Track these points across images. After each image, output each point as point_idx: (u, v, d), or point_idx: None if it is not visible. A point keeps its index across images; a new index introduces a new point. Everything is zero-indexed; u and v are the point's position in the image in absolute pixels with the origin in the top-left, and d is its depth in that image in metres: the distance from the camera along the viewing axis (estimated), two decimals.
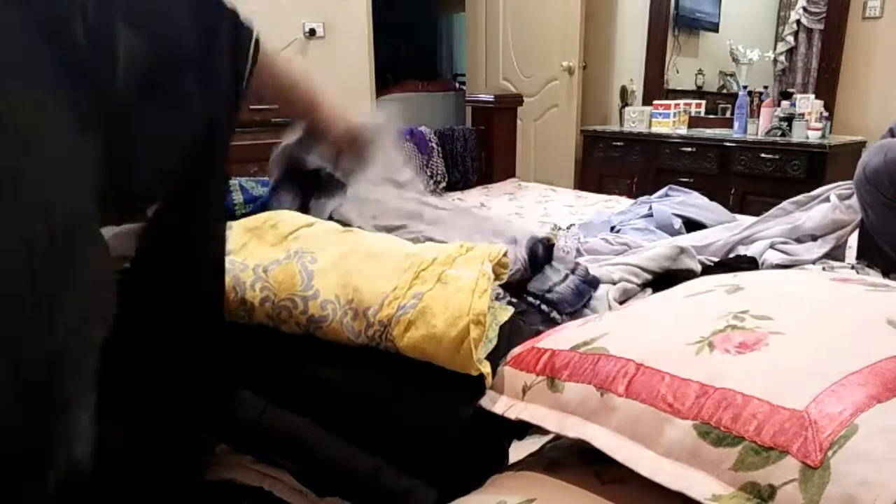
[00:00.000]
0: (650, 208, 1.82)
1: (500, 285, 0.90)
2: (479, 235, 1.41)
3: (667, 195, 2.03)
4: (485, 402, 0.70)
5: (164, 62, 0.64)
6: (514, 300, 1.06)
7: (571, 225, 1.87)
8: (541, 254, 1.16)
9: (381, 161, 1.24)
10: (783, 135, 3.16)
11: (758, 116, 3.29)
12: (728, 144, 3.29)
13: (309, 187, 1.20)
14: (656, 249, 1.31)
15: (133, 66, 0.59)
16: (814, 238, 1.53)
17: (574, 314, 1.12)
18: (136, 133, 0.63)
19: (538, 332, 0.79)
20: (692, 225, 1.77)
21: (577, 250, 1.54)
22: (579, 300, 1.14)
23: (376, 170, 1.24)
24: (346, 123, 1.15)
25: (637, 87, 4.03)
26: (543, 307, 1.08)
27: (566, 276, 1.16)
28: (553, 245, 1.22)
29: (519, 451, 0.74)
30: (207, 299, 0.79)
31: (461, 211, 1.50)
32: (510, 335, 0.79)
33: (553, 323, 1.06)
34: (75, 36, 0.54)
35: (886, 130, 1.60)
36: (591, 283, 1.20)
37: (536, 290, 1.10)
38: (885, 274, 1.46)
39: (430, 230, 1.33)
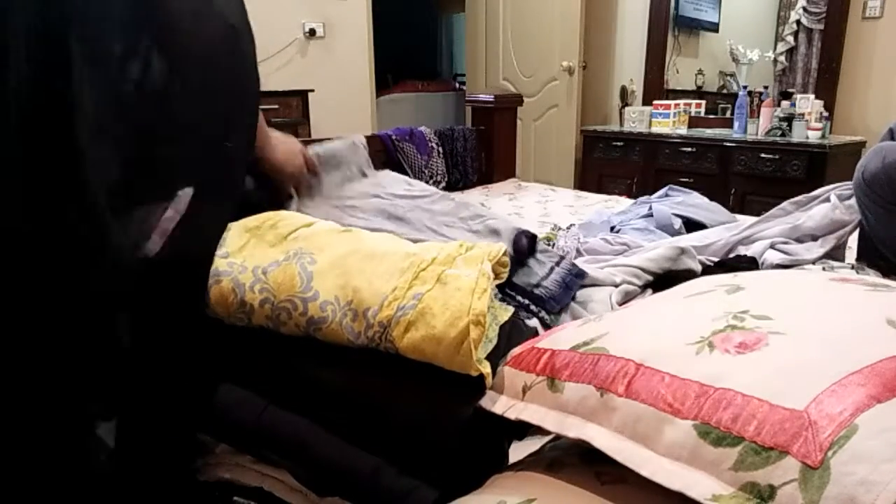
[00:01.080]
0: (650, 208, 1.81)
1: None
2: (458, 221, 1.41)
3: (667, 195, 2.03)
4: (485, 402, 0.70)
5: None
6: (500, 297, 1.05)
7: (571, 225, 1.87)
8: (524, 247, 1.16)
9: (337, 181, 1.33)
10: (783, 135, 3.16)
11: (758, 116, 3.29)
12: (728, 144, 3.29)
13: None
14: (657, 250, 1.30)
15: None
16: (814, 238, 1.53)
17: (562, 311, 1.11)
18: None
19: (537, 332, 0.79)
20: (692, 225, 1.77)
21: (577, 250, 1.53)
22: (567, 295, 1.13)
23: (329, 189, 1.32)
24: (291, 157, 1.21)
25: (637, 87, 4.03)
26: (532, 307, 1.07)
27: (552, 269, 1.16)
28: (536, 237, 1.21)
29: (519, 451, 0.74)
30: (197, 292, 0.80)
31: (439, 196, 1.49)
32: (510, 335, 0.79)
33: (541, 322, 1.05)
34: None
35: (886, 131, 1.59)
36: (578, 274, 1.19)
37: (524, 285, 1.09)
38: (885, 274, 1.46)
39: (406, 228, 1.33)
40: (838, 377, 0.49)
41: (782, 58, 3.53)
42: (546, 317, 1.07)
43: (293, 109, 3.39)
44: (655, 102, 3.78)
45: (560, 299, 1.11)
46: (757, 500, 0.45)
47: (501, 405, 0.68)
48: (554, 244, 1.56)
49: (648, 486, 0.51)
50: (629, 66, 4.11)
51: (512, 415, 0.66)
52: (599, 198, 2.59)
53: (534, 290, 1.10)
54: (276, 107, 3.33)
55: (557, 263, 1.19)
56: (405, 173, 2.60)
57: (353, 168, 1.57)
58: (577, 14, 3.94)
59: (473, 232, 1.43)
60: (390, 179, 1.61)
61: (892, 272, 1.48)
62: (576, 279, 1.17)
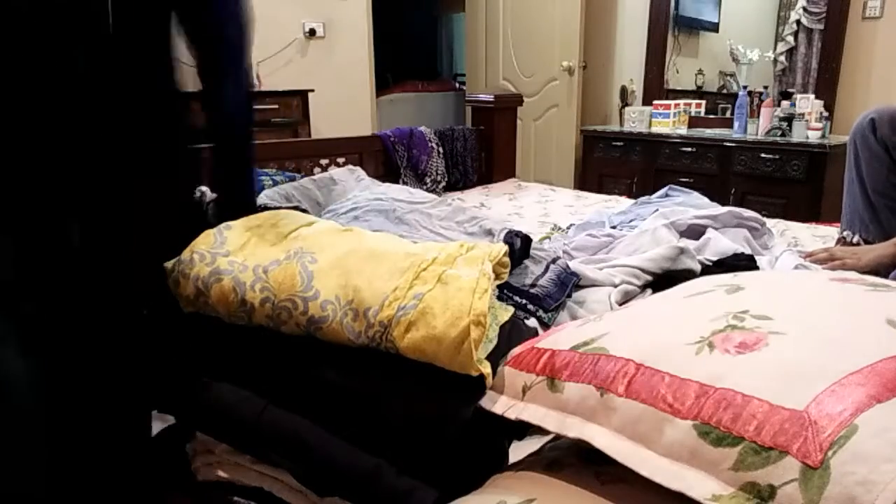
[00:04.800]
0: (657, 210, 1.80)
1: None
2: (454, 224, 1.43)
3: (667, 195, 2.03)
4: (485, 402, 0.70)
5: None
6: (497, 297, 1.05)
7: (571, 225, 1.87)
8: (518, 247, 1.16)
9: None
10: (783, 135, 3.16)
11: (758, 116, 3.29)
12: (728, 144, 3.29)
13: None
14: (656, 250, 1.30)
15: None
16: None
17: (559, 307, 1.11)
18: None
19: (537, 332, 0.79)
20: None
21: (565, 252, 1.54)
22: (563, 291, 1.14)
23: None
24: None
25: (637, 87, 4.03)
26: (530, 306, 1.07)
27: (547, 267, 1.16)
28: (530, 238, 1.21)
29: (519, 451, 0.74)
30: None
31: (437, 201, 1.52)
32: (510, 335, 0.79)
33: (539, 321, 1.06)
34: None
35: (866, 122, 1.61)
36: (574, 272, 1.20)
37: (520, 286, 1.10)
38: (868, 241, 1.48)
39: (404, 229, 1.35)
40: (838, 377, 0.49)
41: (782, 58, 3.53)
42: (544, 315, 1.07)
43: (293, 109, 3.39)
44: (655, 102, 3.78)
45: (556, 296, 1.12)
46: (757, 500, 0.45)
47: (501, 405, 0.68)
48: (531, 238, 1.57)
49: (648, 486, 0.51)
50: (629, 66, 4.11)
51: (512, 415, 0.66)
52: (599, 198, 2.59)
53: (530, 289, 1.10)
54: (276, 107, 3.33)
55: (553, 262, 1.19)
56: (404, 173, 2.61)
57: (351, 182, 1.64)
58: (577, 14, 3.94)
59: (469, 234, 1.44)
60: (393, 188, 1.65)
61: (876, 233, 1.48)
62: (571, 276, 1.18)
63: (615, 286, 1.21)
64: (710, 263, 1.35)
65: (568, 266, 1.21)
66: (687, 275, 1.23)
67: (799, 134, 3.11)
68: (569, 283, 1.17)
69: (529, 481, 0.62)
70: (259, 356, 0.85)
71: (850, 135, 1.66)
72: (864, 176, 1.57)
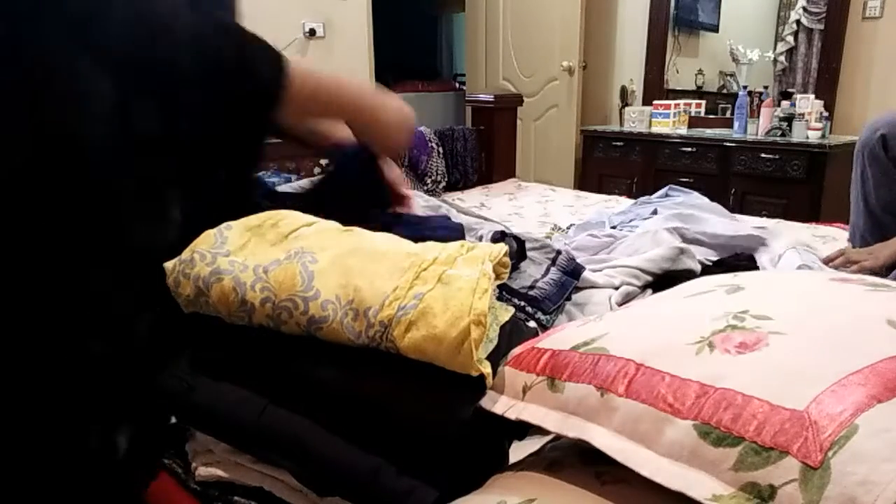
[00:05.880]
0: (654, 211, 1.80)
1: None
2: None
3: (667, 195, 2.03)
4: (485, 402, 0.70)
5: None
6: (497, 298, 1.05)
7: (571, 225, 1.87)
8: (513, 248, 1.16)
9: None
10: (783, 135, 3.16)
11: (758, 116, 3.30)
12: (728, 144, 3.29)
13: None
14: (656, 250, 1.31)
15: None
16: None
17: (558, 310, 1.11)
18: None
19: (537, 333, 0.79)
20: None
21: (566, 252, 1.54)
22: (562, 294, 1.14)
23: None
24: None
25: (637, 87, 4.04)
26: (528, 308, 1.07)
27: (548, 269, 1.16)
28: (524, 240, 1.21)
29: (519, 451, 0.74)
30: None
31: (434, 203, 1.52)
32: (511, 335, 0.79)
33: (538, 323, 1.05)
34: None
35: (877, 137, 1.55)
36: (574, 273, 1.19)
37: (518, 288, 1.10)
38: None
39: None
40: (838, 377, 0.49)
41: (782, 58, 3.53)
42: (542, 317, 1.07)
43: None
44: (655, 102, 3.78)
45: (555, 299, 1.12)
46: (757, 500, 0.45)
47: (502, 405, 0.68)
48: (524, 239, 1.57)
49: (648, 487, 0.51)
50: (629, 66, 4.12)
51: (512, 415, 0.66)
52: (599, 198, 2.59)
53: (528, 291, 1.10)
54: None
55: (553, 262, 1.19)
56: (404, 173, 2.61)
57: None
58: (577, 14, 3.94)
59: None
60: None
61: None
62: (571, 278, 1.18)
63: (616, 288, 1.21)
64: (710, 263, 1.36)
65: (569, 262, 1.20)
66: (687, 275, 1.23)
67: (799, 134, 3.11)
68: (569, 286, 1.16)
69: (529, 481, 0.62)
70: (259, 356, 0.85)
71: (857, 147, 1.57)
72: (868, 193, 1.50)
